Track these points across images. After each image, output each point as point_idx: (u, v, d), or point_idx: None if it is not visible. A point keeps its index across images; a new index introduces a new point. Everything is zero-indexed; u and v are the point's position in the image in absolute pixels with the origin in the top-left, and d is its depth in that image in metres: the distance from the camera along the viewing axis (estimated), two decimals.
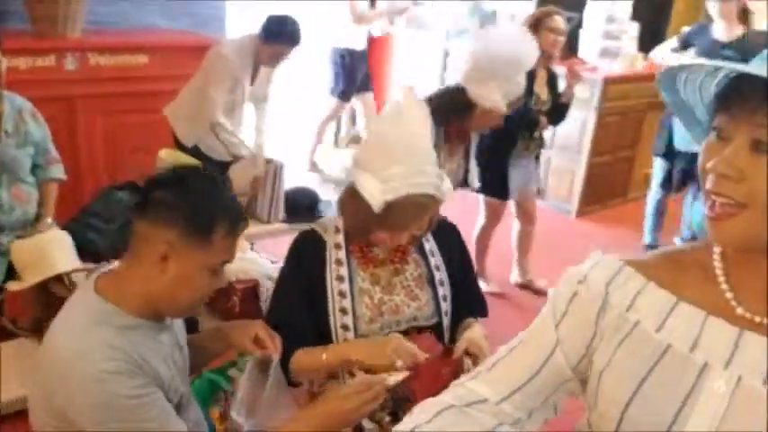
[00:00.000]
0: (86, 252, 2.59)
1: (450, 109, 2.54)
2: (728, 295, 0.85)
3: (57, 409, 1.20)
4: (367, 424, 1.49)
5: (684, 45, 4.06)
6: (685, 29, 4.23)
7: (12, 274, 2.39)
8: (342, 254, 1.60)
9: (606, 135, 5.09)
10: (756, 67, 0.77)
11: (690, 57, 3.91)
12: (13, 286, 1.96)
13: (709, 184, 0.81)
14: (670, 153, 4.09)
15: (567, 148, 5.05)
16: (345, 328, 1.57)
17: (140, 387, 1.21)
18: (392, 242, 1.56)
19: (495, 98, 2.49)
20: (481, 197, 3.60)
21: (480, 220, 3.72)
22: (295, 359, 1.56)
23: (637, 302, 0.88)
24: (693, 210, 3.97)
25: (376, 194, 1.44)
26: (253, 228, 3.10)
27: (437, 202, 1.53)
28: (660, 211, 4.41)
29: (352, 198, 1.53)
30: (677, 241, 4.23)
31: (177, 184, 1.28)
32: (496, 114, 2.59)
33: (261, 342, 1.48)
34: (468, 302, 1.73)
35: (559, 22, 3.55)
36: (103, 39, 3.58)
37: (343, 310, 1.57)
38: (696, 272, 0.88)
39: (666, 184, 4.24)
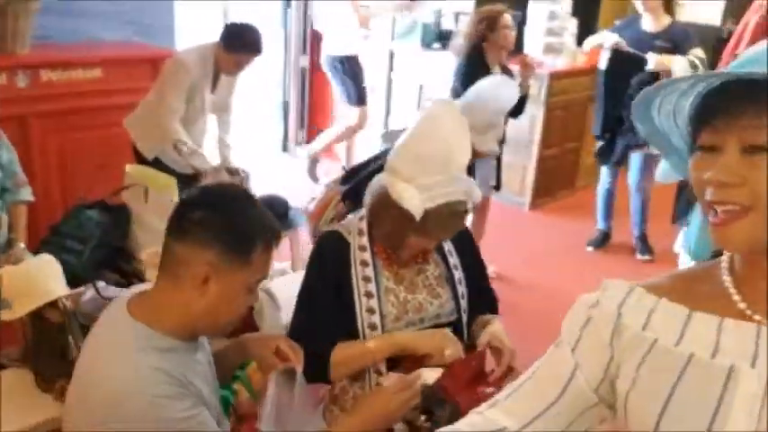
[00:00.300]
0: (67, 274, 2.52)
1: None
2: (742, 305, 0.86)
3: None
4: (398, 426, 1.52)
5: None
6: (617, 22, 4.43)
7: None
8: (367, 255, 1.64)
9: (553, 128, 5.27)
10: (739, 69, 0.80)
11: (614, 36, 4.10)
12: (5, 315, 1.89)
13: (709, 196, 0.82)
14: (607, 130, 4.27)
15: (517, 143, 5.18)
16: (373, 327, 1.61)
17: (190, 408, 1.21)
18: (426, 247, 1.60)
19: (492, 146, 2.72)
20: None
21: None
22: (337, 353, 1.59)
23: (651, 320, 0.89)
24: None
25: (416, 203, 1.48)
26: None
27: (468, 209, 1.60)
28: (610, 198, 4.61)
29: (386, 206, 1.57)
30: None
31: (214, 203, 1.28)
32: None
33: (282, 354, 1.49)
34: (483, 300, 1.80)
35: (509, 18, 3.69)
36: (54, 54, 3.48)
37: (371, 310, 1.62)
38: (706, 286, 0.90)
39: (612, 166, 4.43)
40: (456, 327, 1.68)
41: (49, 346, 1.91)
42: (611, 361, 0.90)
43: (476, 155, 2.76)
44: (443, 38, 5.43)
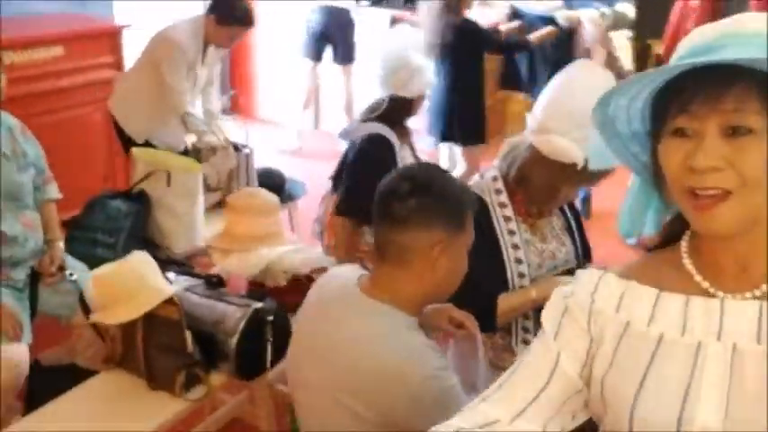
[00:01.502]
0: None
1: None
2: (705, 284, 0.90)
3: (393, 416, 1.26)
4: None
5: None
6: None
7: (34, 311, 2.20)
8: (509, 211, 1.78)
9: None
10: (732, 54, 0.80)
11: None
12: (123, 316, 1.81)
13: (692, 182, 0.84)
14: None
15: None
16: (521, 276, 1.76)
17: (454, 377, 1.31)
18: (573, 197, 1.78)
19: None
20: (458, 149, 3.92)
21: (459, 170, 4.02)
22: (502, 304, 1.73)
23: (623, 303, 0.93)
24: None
25: (579, 154, 1.60)
26: None
27: None
28: None
29: (540, 163, 1.69)
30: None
31: (423, 187, 1.33)
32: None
33: (456, 321, 1.59)
34: (585, 246, 1.99)
35: None
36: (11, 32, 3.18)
37: (518, 260, 1.77)
38: (672, 270, 0.93)
39: None
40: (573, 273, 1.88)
41: (166, 343, 1.87)
42: (590, 345, 0.94)
43: None
44: None
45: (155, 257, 2.59)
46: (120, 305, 1.84)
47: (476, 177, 1.94)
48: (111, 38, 3.44)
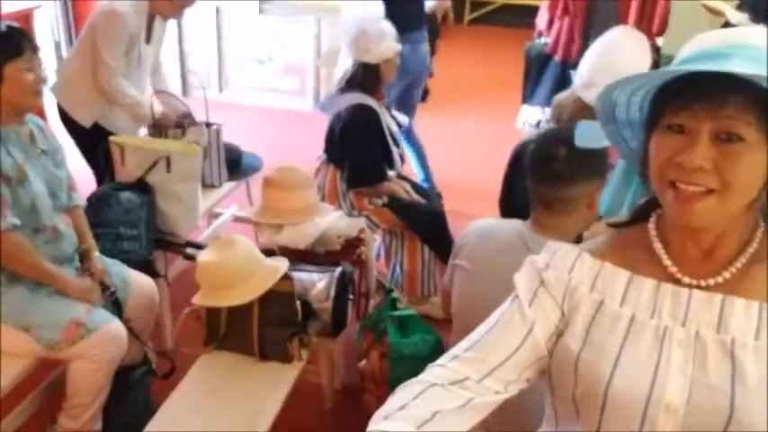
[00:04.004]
0: (134, 261, 2.43)
1: None
2: (673, 269, 0.96)
3: None
4: None
5: None
6: None
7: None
8: None
9: None
10: (739, 66, 0.83)
11: None
12: (244, 296, 1.90)
13: (674, 176, 0.89)
14: None
15: None
16: None
17: None
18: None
19: None
20: None
21: None
22: None
23: (597, 283, 0.99)
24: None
25: None
26: (211, 195, 3.08)
27: None
28: None
29: (583, 113, 1.99)
30: None
31: (573, 146, 1.59)
32: None
33: None
34: None
35: None
36: None
37: None
38: (642, 252, 1.00)
39: None
40: None
41: (278, 315, 2.01)
42: (560, 319, 1.01)
43: None
44: None
45: (167, 242, 2.66)
46: (237, 286, 1.94)
47: (527, 129, 2.28)
48: (22, 21, 3.19)
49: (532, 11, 7.13)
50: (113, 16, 2.86)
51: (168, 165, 2.63)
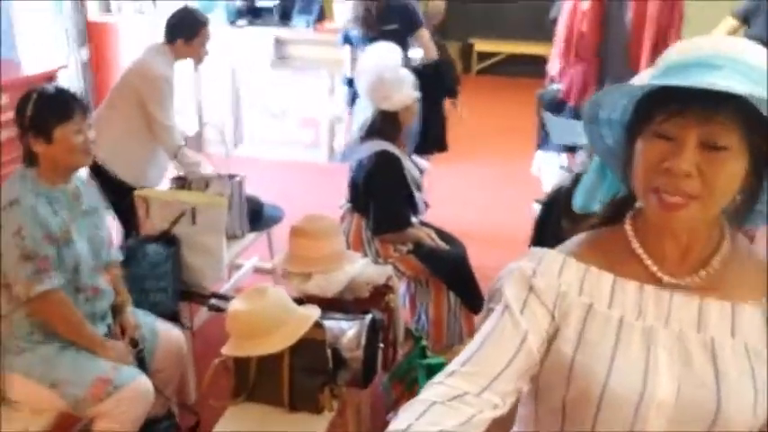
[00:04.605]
0: (161, 314, 2.42)
1: None
2: (654, 269, 0.99)
3: None
4: None
5: (745, 21, 3.84)
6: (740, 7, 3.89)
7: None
8: None
9: None
10: (724, 79, 0.86)
11: None
12: (276, 345, 1.87)
13: (660, 183, 0.91)
14: None
15: None
16: None
17: None
18: None
19: None
20: None
21: None
22: None
23: (585, 287, 1.01)
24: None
25: None
26: (234, 246, 3.09)
27: None
28: None
29: None
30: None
31: None
32: None
33: None
34: None
35: None
36: None
37: None
38: (620, 252, 1.02)
39: None
40: None
41: (309, 364, 1.98)
42: (550, 324, 1.02)
43: None
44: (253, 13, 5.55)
45: (192, 293, 2.65)
46: (269, 335, 1.92)
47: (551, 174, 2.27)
48: (47, 82, 3.26)
49: (537, 60, 7.35)
50: (157, 80, 2.99)
51: (194, 217, 2.65)
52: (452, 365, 1.03)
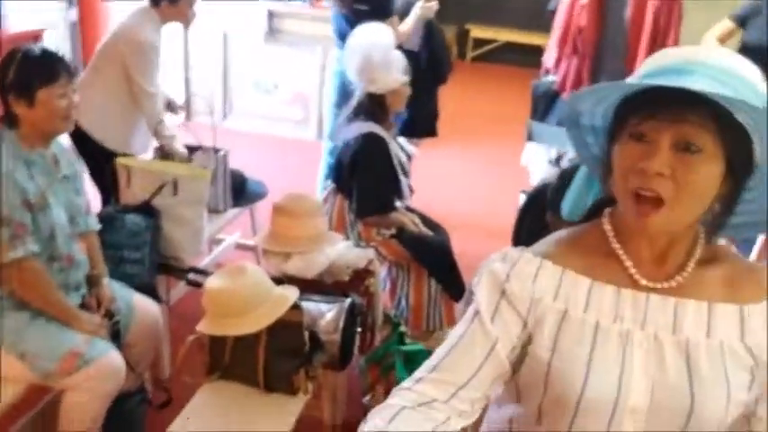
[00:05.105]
0: (137, 286, 2.37)
1: None
2: (633, 271, 1.00)
3: None
4: None
5: (742, 25, 3.72)
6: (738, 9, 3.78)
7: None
8: None
9: None
10: (694, 83, 0.88)
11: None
12: (254, 324, 1.84)
13: (636, 183, 0.92)
14: None
15: None
16: None
17: None
18: None
19: None
20: None
21: None
22: None
23: (560, 292, 1.00)
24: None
25: None
26: (215, 221, 3.05)
27: None
28: None
29: None
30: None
31: None
32: None
33: None
34: None
35: None
36: None
37: None
38: (599, 252, 1.02)
39: None
40: None
41: (286, 345, 1.96)
42: (523, 330, 1.01)
43: None
44: None
45: (170, 267, 2.61)
46: (246, 314, 1.89)
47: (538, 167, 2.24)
48: (32, 41, 3.17)
49: (534, 50, 7.30)
50: (142, 46, 2.88)
51: (175, 188, 2.60)
52: (421, 371, 1.03)
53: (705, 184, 0.92)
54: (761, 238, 3.28)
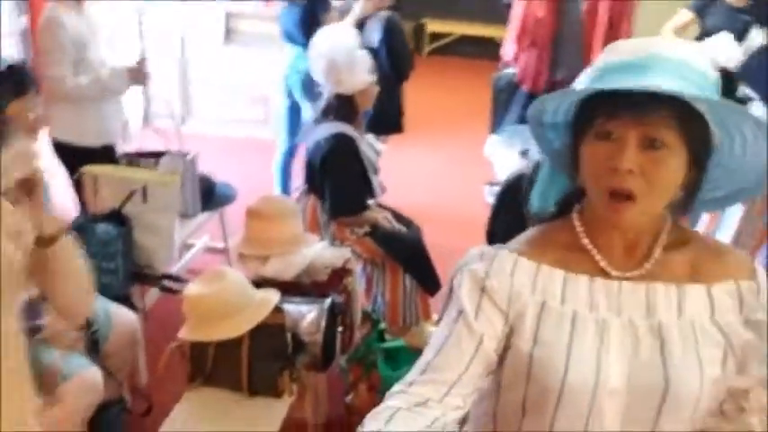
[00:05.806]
0: (112, 296, 2.34)
1: None
2: (603, 263, 1.04)
3: None
4: None
5: (700, 14, 3.83)
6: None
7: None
8: None
9: None
10: (655, 80, 0.91)
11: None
12: (235, 329, 1.83)
13: (609, 182, 0.95)
14: None
15: None
16: None
17: None
18: None
19: None
20: None
21: None
22: None
23: (537, 285, 1.04)
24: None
25: None
26: (186, 226, 3.02)
27: None
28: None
29: None
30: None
31: None
32: None
33: None
34: None
35: None
36: None
37: None
38: (570, 247, 1.06)
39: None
40: None
41: (269, 349, 1.96)
42: (505, 323, 1.04)
43: None
44: None
45: (144, 275, 2.58)
46: (228, 319, 1.88)
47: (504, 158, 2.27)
48: None
49: (489, 42, 7.37)
50: (44, 22, 2.72)
51: (145, 195, 2.57)
52: (412, 375, 1.05)
53: (673, 176, 0.96)
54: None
